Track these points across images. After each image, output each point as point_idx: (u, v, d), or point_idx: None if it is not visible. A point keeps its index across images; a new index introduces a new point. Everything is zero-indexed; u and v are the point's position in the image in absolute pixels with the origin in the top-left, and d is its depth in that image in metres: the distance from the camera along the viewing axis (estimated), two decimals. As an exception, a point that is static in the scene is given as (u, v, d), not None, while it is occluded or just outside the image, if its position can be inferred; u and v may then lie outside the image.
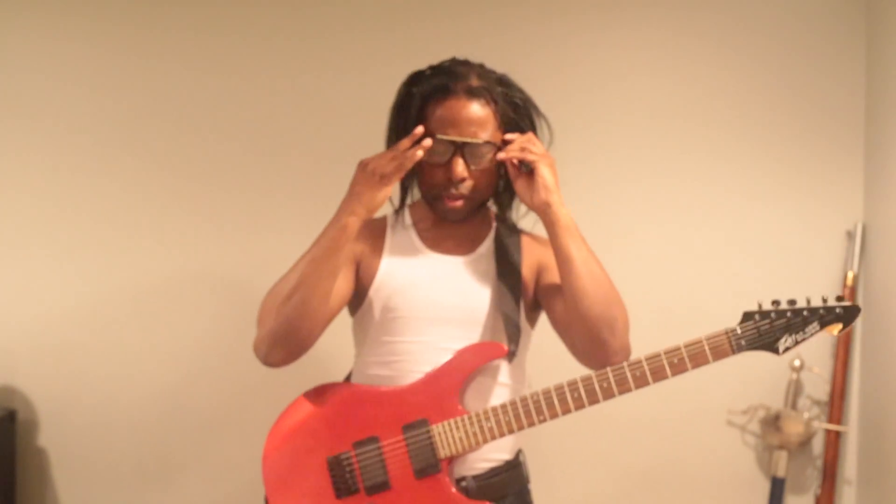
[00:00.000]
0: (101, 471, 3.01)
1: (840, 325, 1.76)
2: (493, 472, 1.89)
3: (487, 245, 1.97)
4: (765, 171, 2.92)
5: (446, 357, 1.85)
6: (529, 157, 1.83)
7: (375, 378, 1.90)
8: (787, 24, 2.90)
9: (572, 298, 1.80)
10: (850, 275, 2.84)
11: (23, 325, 2.99)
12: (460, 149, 1.82)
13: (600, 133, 2.96)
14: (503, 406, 1.80)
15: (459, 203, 1.87)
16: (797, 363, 2.86)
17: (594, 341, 1.81)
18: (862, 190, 2.89)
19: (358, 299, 1.95)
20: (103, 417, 3.00)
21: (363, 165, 1.80)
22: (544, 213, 1.82)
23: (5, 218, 3.00)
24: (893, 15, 2.71)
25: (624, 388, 1.77)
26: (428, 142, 1.78)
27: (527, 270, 1.96)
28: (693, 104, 2.93)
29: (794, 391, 2.87)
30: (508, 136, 1.85)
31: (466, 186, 1.85)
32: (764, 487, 2.93)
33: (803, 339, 1.77)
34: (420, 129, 1.78)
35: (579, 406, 1.78)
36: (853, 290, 2.83)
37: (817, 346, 2.89)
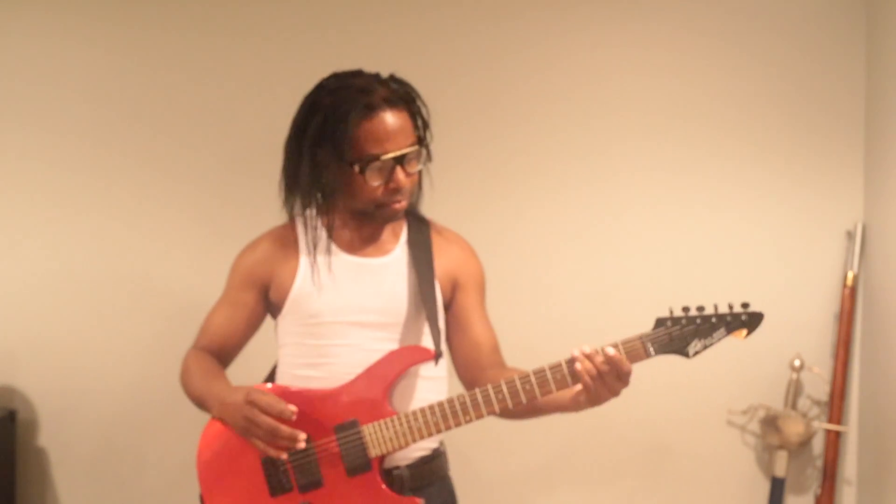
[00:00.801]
0: (101, 471, 3.01)
1: (745, 331, 1.86)
2: (423, 461, 1.97)
3: (402, 246, 2.02)
4: (764, 170, 2.92)
5: (374, 358, 1.91)
6: (602, 393, 1.83)
7: (305, 379, 1.95)
8: (787, 24, 2.90)
9: (517, 414, 1.93)
10: (850, 275, 2.83)
11: (23, 325, 2.99)
12: (400, 161, 1.87)
13: (599, 132, 2.96)
14: (431, 407, 1.87)
15: (403, 205, 1.93)
16: (797, 363, 2.86)
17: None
18: (862, 190, 2.89)
19: (277, 306, 2.01)
20: (103, 417, 3.00)
21: (250, 402, 1.80)
22: (574, 404, 1.88)
23: (5, 218, 3.00)
24: (893, 15, 2.71)
25: (545, 390, 1.83)
26: (302, 439, 1.81)
27: (440, 272, 2.02)
28: (693, 104, 2.93)
29: (794, 391, 2.87)
30: (609, 350, 1.81)
31: (405, 192, 1.92)
32: (764, 487, 2.93)
33: (711, 344, 1.87)
34: (293, 413, 1.80)
35: (503, 407, 1.84)
36: (853, 290, 2.83)
37: (817, 346, 2.90)
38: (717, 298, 2.89)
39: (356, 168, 1.86)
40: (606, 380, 1.81)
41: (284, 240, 2.02)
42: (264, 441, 1.81)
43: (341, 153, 1.85)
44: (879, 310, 2.78)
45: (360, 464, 1.86)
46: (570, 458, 2.95)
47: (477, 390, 1.86)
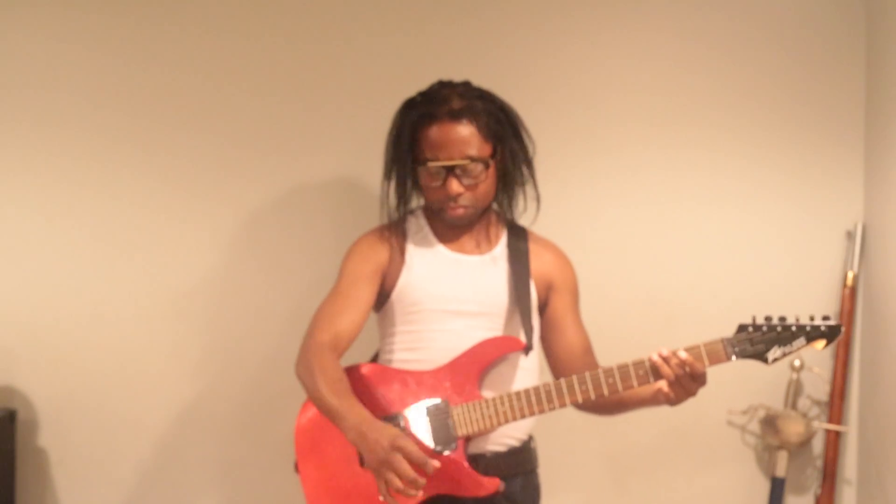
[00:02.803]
0: (101, 471, 3.01)
1: (824, 342, 2.01)
2: (512, 451, 2.11)
3: (500, 249, 2.20)
4: (765, 171, 2.92)
5: (468, 345, 2.07)
6: (679, 394, 2.04)
7: (404, 362, 2.12)
8: (786, 25, 2.90)
9: (601, 407, 2.18)
10: (850, 275, 2.83)
11: (23, 325, 2.99)
12: (451, 171, 2.04)
13: (600, 134, 2.96)
14: (517, 393, 2.01)
15: (461, 212, 2.10)
16: (797, 363, 2.86)
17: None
18: (862, 190, 2.89)
19: (383, 297, 2.17)
20: (103, 417, 3.00)
21: (397, 448, 1.82)
22: (655, 400, 2.08)
23: (5, 218, 3.00)
24: (893, 15, 2.71)
25: (627, 385, 1.99)
26: (434, 466, 1.84)
27: (536, 275, 2.19)
28: (693, 104, 2.93)
29: (794, 391, 2.87)
30: (681, 354, 2.00)
31: (465, 199, 2.08)
32: (764, 487, 2.93)
33: (791, 352, 2.01)
34: (436, 464, 1.84)
35: (586, 397, 2.00)
36: (853, 290, 2.83)
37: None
38: (718, 298, 2.91)
39: (416, 168, 2.09)
40: (682, 381, 1.97)
41: (392, 233, 2.19)
42: (393, 485, 1.82)
43: (407, 153, 2.07)
44: (879, 310, 2.78)
45: (447, 441, 2.00)
46: (569, 458, 2.95)
47: (562, 380, 2.01)
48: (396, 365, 2.13)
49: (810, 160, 2.91)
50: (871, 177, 2.85)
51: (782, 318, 2.03)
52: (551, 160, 2.95)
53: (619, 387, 1.99)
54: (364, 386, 2.09)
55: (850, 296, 2.83)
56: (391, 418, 2.02)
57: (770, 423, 2.86)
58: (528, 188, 2.25)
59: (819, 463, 2.92)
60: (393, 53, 2.95)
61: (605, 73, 2.96)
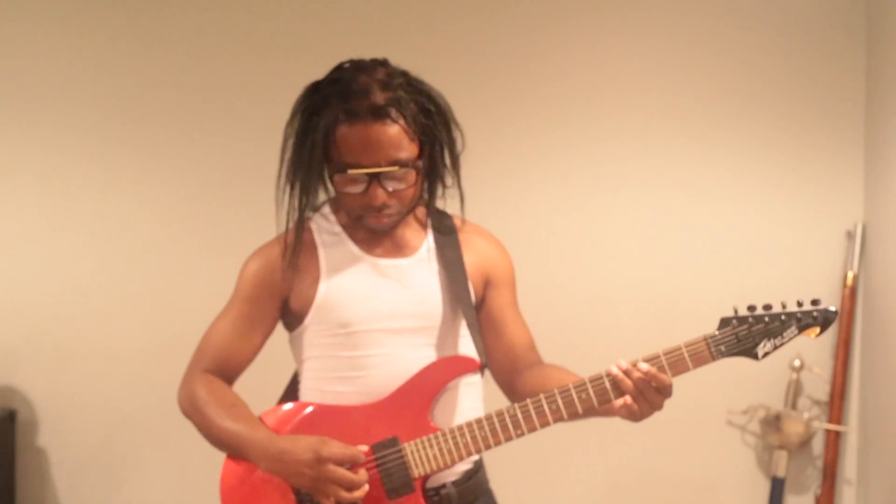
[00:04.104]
0: (101, 471, 3.01)
1: (818, 329, 1.73)
2: (468, 475, 1.83)
3: (427, 245, 1.85)
4: (765, 171, 2.92)
5: (412, 367, 1.76)
6: (643, 409, 1.69)
7: (335, 394, 1.79)
8: (787, 25, 2.90)
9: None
10: (850, 275, 2.83)
11: (23, 325, 2.99)
12: (375, 177, 1.69)
13: (601, 133, 2.96)
14: (479, 421, 1.72)
15: (386, 221, 1.76)
16: (797, 363, 2.86)
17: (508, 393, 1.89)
18: (862, 190, 2.89)
19: (297, 316, 1.83)
20: (103, 417, 3.00)
21: (324, 459, 1.63)
22: (615, 412, 1.74)
23: (6, 218, 3.00)
24: (893, 15, 2.71)
25: (603, 399, 1.70)
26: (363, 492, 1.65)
27: (470, 270, 1.87)
28: (693, 104, 2.93)
29: (794, 391, 2.87)
30: (642, 366, 1.68)
31: (391, 207, 1.73)
32: (764, 487, 2.93)
33: (782, 344, 1.74)
34: (363, 454, 1.66)
35: (558, 418, 1.71)
36: (853, 290, 2.83)
37: (817, 346, 2.89)
38: (718, 298, 2.90)
39: (327, 172, 1.73)
40: (647, 395, 1.68)
41: (300, 244, 1.82)
42: (339, 498, 1.64)
43: (318, 152, 1.71)
44: (879, 310, 2.78)
45: (401, 485, 1.70)
46: (569, 458, 2.95)
47: (528, 401, 1.71)
48: (330, 398, 1.79)
49: (810, 160, 2.91)
50: (871, 177, 2.85)
51: (767, 307, 1.73)
52: (551, 160, 2.96)
53: (595, 402, 1.70)
54: (295, 428, 1.76)
55: (850, 296, 2.83)
56: None
57: (770, 423, 2.86)
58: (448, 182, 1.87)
59: (819, 463, 2.92)
60: (394, 54, 2.94)
61: (606, 73, 2.96)
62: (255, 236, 2.98)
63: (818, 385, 2.90)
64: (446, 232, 1.87)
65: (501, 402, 1.82)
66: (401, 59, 2.92)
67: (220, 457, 3.00)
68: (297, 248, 1.81)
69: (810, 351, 2.88)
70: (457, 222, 1.91)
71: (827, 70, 2.89)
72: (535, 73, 2.96)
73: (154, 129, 2.99)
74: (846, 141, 2.89)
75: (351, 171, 1.69)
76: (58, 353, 3.00)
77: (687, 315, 2.91)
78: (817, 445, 2.92)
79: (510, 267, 1.95)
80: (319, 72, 3.11)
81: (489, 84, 2.96)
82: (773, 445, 2.88)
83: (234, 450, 1.74)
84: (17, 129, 2.99)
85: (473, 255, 1.88)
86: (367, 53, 2.96)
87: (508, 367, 1.89)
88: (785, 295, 2.89)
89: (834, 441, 2.85)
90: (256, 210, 3.00)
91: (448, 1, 2.98)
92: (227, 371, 1.84)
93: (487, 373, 1.91)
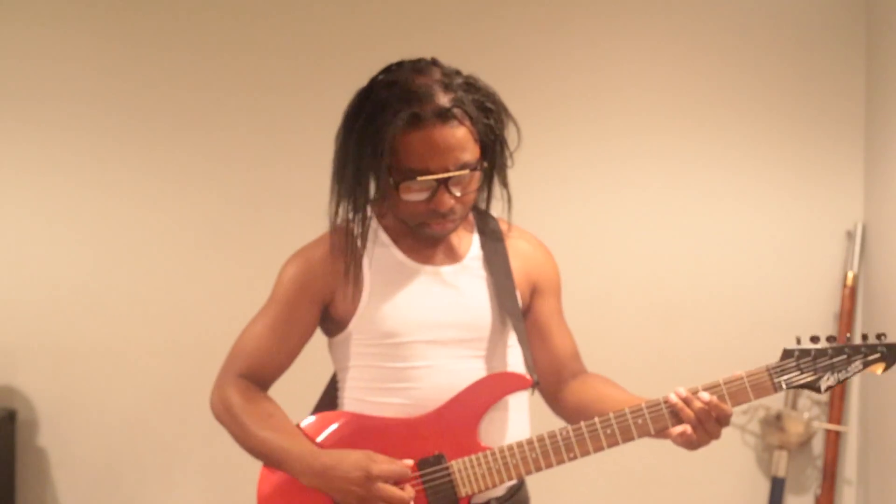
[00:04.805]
0: (101, 471, 3.01)
1: (883, 365, 1.67)
2: (512, 492, 1.78)
3: (475, 252, 1.79)
4: (765, 171, 2.92)
5: (458, 380, 1.71)
6: (702, 438, 1.66)
7: (380, 406, 1.72)
8: (787, 25, 2.90)
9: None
10: (850, 275, 2.83)
11: (23, 325, 2.99)
12: (443, 183, 1.63)
13: (601, 133, 2.96)
14: (529, 442, 1.67)
15: (450, 227, 1.70)
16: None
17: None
18: (862, 190, 2.89)
19: (338, 324, 1.76)
20: (103, 417, 3.00)
21: (374, 478, 1.58)
22: (671, 438, 1.72)
23: (5, 218, 3.00)
24: (893, 15, 2.71)
25: (660, 426, 1.68)
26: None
27: (518, 277, 1.81)
28: (693, 104, 2.93)
29: (794, 391, 2.87)
30: (703, 396, 1.65)
31: (455, 212, 1.67)
32: (764, 487, 2.93)
33: (846, 378, 1.69)
34: (410, 468, 1.62)
35: (612, 444, 1.67)
36: (853, 290, 2.83)
37: (817, 346, 2.90)
38: (718, 298, 2.91)
39: (391, 181, 1.63)
40: (706, 425, 1.65)
41: (342, 248, 1.73)
42: None
43: (378, 160, 1.62)
44: (879, 310, 2.78)
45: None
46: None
47: (583, 425, 1.66)
48: (372, 410, 1.72)
49: (810, 160, 2.91)
50: (871, 177, 2.85)
51: (831, 338, 1.68)
52: (550, 159, 2.96)
53: (651, 429, 1.68)
54: (337, 440, 1.70)
55: (850, 296, 2.83)
56: None
57: (770, 423, 2.86)
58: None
59: (819, 463, 2.92)
60: (394, 55, 2.94)
61: (606, 74, 2.96)
62: (255, 236, 3.00)
63: (818, 385, 2.90)
64: (493, 237, 1.82)
65: (543, 414, 1.81)
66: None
67: (219, 458, 3.01)
68: (355, 259, 1.73)
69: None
70: (502, 226, 1.85)
71: (827, 70, 2.89)
72: (535, 73, 2.96)
73: (154, 129, 2.98)
74: (846, 141, 2.89)
75: (421, 179, 1.62)
76: (58, 353, 3.00)
77: (687, 315, 2.91)
78: (817, 445, 2.92)
79: (557, 274, 1.91)
80: (320, 71, 3.12)
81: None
82: (773, 445, 2.88)
83: (274, 461, 1.67)
84: (17, 129, 2.99)
85: (520, 262, 1.83)
86: (368, 55, 2.96)
87: (553, 377, 1.85)
88: (784, 295, 2.91)
89: (834, 441, 2.85)
90: (257, 209, 3.02)
91: (448, 2, 2.98)
92: (262, 376, 1.76)
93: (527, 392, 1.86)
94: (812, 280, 2.90)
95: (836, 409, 2.85)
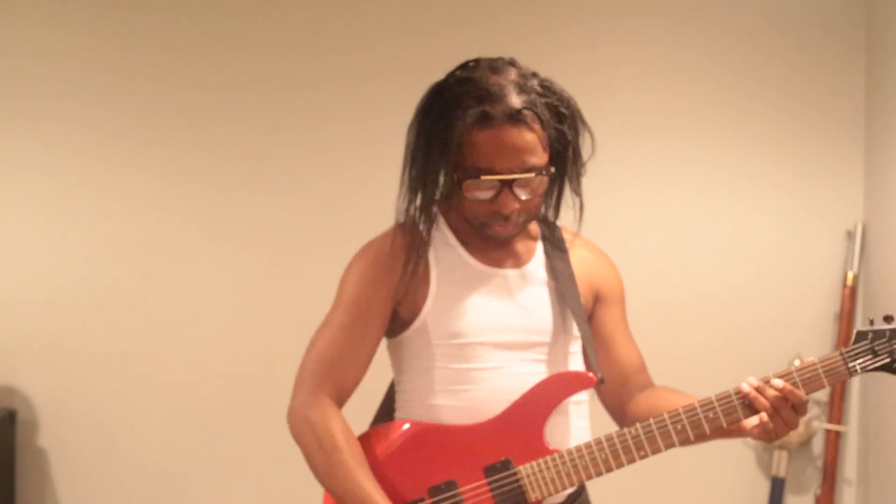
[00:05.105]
0: (101, 471, 3.01)
1: None
2: (572, 498, 1.76)
3: (538, 257, 1.77)
4: (765, 171, 2.92)
5: (522, 383, 1.67)
6: (779, 428, 1.61)
7: (441, 409, 1.68)
8: (787, 25, 2.90)
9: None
10: (850, 275, 2.84)
11: (23, 325, 2.99)
12: (508, 185, 1.60)
13: (601, 134, 2.94)
14: (598, 442, 1.64)
15: (511, 229, 1.67)
16: (797, 363, 2.85)
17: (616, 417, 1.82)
18: (862, 190, 2.89)
19: (400, 324, 1.72)
20: (103, 417, 3.00)
21: None
22: (746, 433, 1.66)
23: (6, 219, 3.00)
24: (893, 16, 2.71)
25: (733, 418, 1.62)
26: None
27: (581, 284, 1.78)
28: (693, 104, 2.93)
29: (794, 391, 2.87)
30: (776, 383, 1.61)
31: (518, 216, 1.65)
32: (764, 487, 2.93)
33: None
34: None
35: (684, 440, 1.62)
36: (853, 290, 2.83)
37: (817, 346, 2.90)
38: (718, 298, 2.91)
39: (455, 177, 1.61)
40: (782, 413, 1.60)
41: (409, 246, 1.69)
42: None
43: (446, 156, 1.60)
44: (879, 310, 2.77)
45: None
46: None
47: (652, 421, 1.62)
48: (432, 412, 1.69)
49: (810, 160, 2.91)
50: (871, 177, 2.85)
51: None
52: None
53: (723, 421, 1.61)
54: (401, 450, 1.67)
55: (850, 296, 2.83)
56: (443, 487, 1.64)
57: (770, 423, 2.87)
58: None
59: (819, 463, 2.92)
60: (395, 56, 2.95)
61: (606, 75, 2.96)
62: (256, 235, 3.00)
63: (818, 385, 2.90)
64: (556, 244, 1.79)
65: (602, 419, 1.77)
66: (401, 61, 2.94)
67: (220, 457, 3.01)
68: (421, 253, 1.70)
69: (810, 351, 2.88)
70: (566, 235, 1.83)
71: (827, 70, 2.89)
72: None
73: (155, 128, 2.98)
74: (846, 141, 2.89)
75: (484, 178, 1.60)
76: (58, 353, 2.99)
77: (687, 315, 2.91)
78: (817, 445, 2.92)
79: (620, 283, 1.88)
80: (321, 70, 3.12)
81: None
82: (773, 445, 2.89)
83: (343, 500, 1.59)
84: (17, 129, 2.99)
85: (583, 270, 1.80)
86: (368, 56, 2.97)
87: (618, 389, 1.81)
88: (784, 295, 2.91)
89: (834, 441, 2.85)
90: (258, 209, 3.02)
91: (449, 2, 2.98)
92: (343, 387, 1.68)
93: (593, 394, 1.82)
94: (812, 280, 2.90)
95: (836, 409, 2.85)
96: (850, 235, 2.88)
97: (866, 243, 2.86)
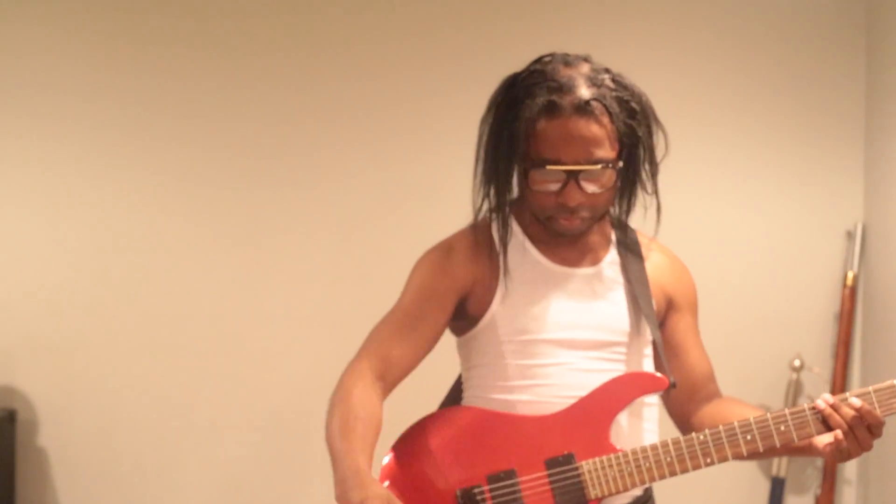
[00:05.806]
0: (101, 471, 3.01)
1: None
2: (637, 502, 1.74)
3: (611, 258, 1.76)
4: (765, 171, 2.92)
5: (589, 380, 1.66)
6: (853, 448, 1.60)
7: (503, 403, 1.67)
8: (787, 25, 2.90)
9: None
10: (850, 275, 2.84)
11: (23, 325, 2.99)
12: (573, 175, 1.60)
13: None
14: (664, 445, 1.63)
15: (577, 223, 1.66)
16: (797, 363, 2.86)
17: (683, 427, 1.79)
18: (862, 190, 2.89)
19: (467, 322, 1.73)
20: (103, 417, 3.00)
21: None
22: (810, 451, 1.66)
23: (6, 218, 3.00)
24: (893, 15, 2.72)
25: (804, 433, 1.60)
26: None
27: (654, 289, 1.78)
28: (693, 104, 2.93)
29: (794, 391, 2.87)
30: (854, 402, 1.59)
31: (584, 209, 1.64)
32: (764, 487, 2.93)
33: None
34: None
35: (752, 450, 1.61)
36: (853, 290, 2.83)
37: (817, 347, 2.90)
38: (718, 298, 2.91)
39: (521, 167, 1.62)
40: (857, 433, 1.58)
41: (481, 243, 1.70)
42: None
43: (514, 146, 1.61)
44: (879, 310, 2.78)
45: None
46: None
47: (721, 428, 1.61)
48: (495, 407, 1.67)
49: (811, 161, 2.91)
50: (871, 177, 2.85)
51: None
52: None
53: (794, 436, 1.59)
54: (463, 434, 1.66)
55: (850, 296, 2.83)
56: (502, 475, 1.61)
57: (770, 423, 2.87)
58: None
59: (819, 463, 2.92)
60: (395, 56, 2.95)
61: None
62: (257, 235, 3.00)
63: (818, 385, 2.90)
64: (630, 247, 1.79)
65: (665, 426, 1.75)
66: (402, 62, 2.94)
67: (220, 457, 3.01)
68: (495, 251, 1.70)
69: (810, 351, 2.88)
70: (642, 239, 1.83)
71: (827, 70, 2.89)
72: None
73: (155, 128, 2.98)
74: (846, 141, 2.89)
75: (550, 168, 1.60)
76: (58, 353, 2.99)
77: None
78: (817, 445, 2.92)
79: (694, 290, 1.88)
80: (322, 69, 3.12)
81: (490, 87, 2.96)
82: (773, 445, 2.89)
83: (331, 453, 1.57)
84: (16, 129, 2.99)
85: (656, 274, 1.80)
86: (369, 57, 2.97)
87: (686, 398, 1.79)
88: (784, 295, 2.91)
89: (834, 441, 2.85)
90: (259, 208, 3.02)
91: (449, 3, 2.98)
92: (386, 372, 1.66)
93: (658, 399, 1.80)
94: (812, 280, 2.90)
95: (836, 409, 2.85)
96: (850, 235, 2.88)
97: (866, 243, 2.86)
